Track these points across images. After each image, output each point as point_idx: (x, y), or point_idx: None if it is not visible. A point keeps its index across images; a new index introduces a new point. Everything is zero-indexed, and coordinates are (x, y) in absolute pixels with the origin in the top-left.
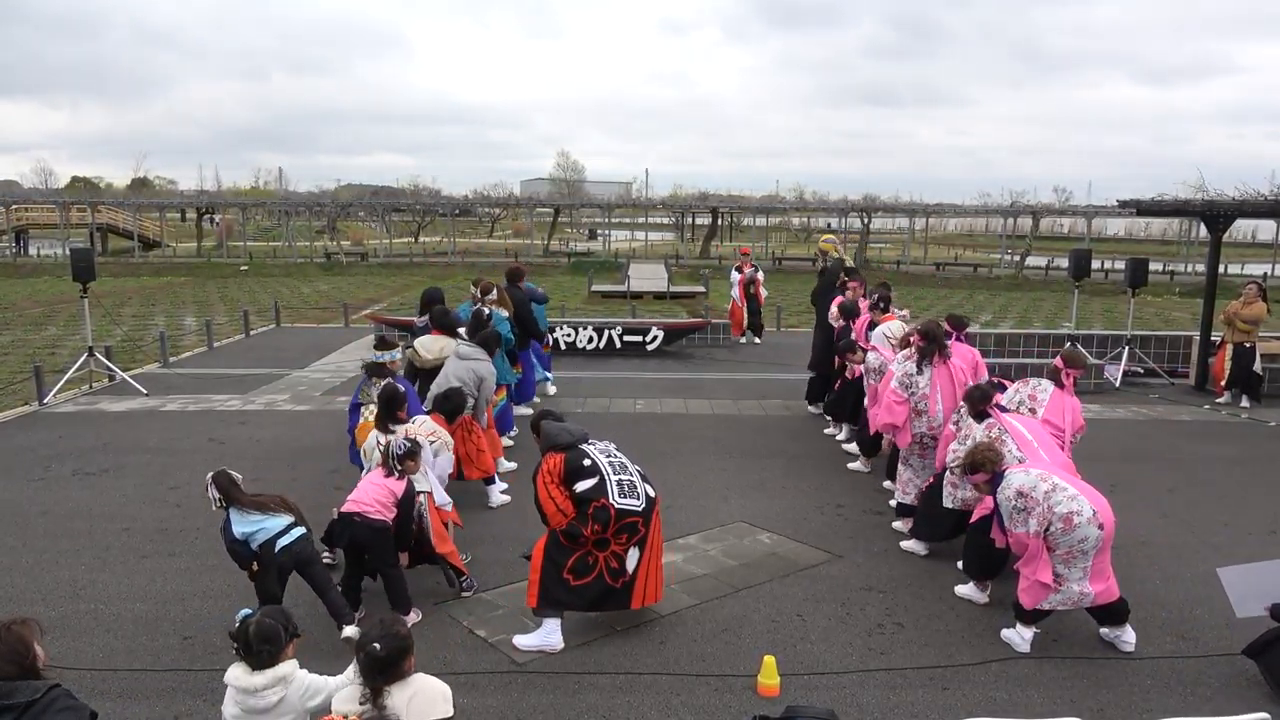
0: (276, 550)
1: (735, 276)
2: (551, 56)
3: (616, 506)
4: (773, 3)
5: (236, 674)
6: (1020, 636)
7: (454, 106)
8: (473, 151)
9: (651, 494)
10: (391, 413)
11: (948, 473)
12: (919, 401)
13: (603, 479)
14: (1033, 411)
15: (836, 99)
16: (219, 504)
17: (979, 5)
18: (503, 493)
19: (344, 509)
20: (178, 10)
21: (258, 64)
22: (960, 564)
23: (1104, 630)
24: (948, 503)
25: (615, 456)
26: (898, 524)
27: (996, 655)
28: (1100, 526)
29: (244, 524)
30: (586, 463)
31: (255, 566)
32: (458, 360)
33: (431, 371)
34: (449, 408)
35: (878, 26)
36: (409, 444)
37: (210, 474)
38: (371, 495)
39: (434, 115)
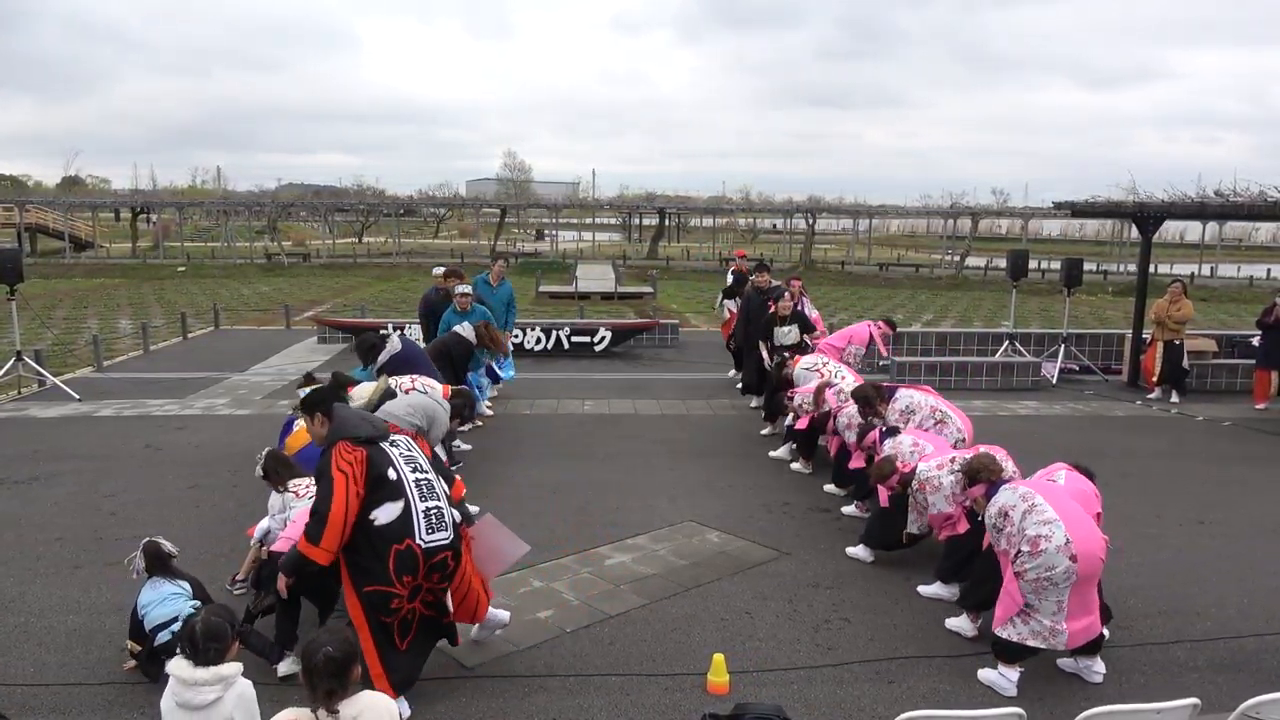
0: (155, 644)
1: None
2: (502, 56)
3: (424, 546)
4: (726, 2)
5: (180, 664)
6: (1005, 679)
7: (403, 106)
8: (422, 151)
9: (458, 518)
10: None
11: (911, 498)
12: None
13: (408, 507)
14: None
15: (787, 100)
16: (141, 574)
17: (930, 7)
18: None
19: (277, 548)
20: (112, 2)
21: (197, 60)
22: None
23: (1070, 660)
24: (912, 528)
25: (422, 472)
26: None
27: (940, 649)
28: (1073, 558)
29: (148, 594)
30: (391, 475)
31: (139, 647)
32: (419, 394)
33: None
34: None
35: (830, 28)
36: None
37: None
38: None
39: (382, 114)
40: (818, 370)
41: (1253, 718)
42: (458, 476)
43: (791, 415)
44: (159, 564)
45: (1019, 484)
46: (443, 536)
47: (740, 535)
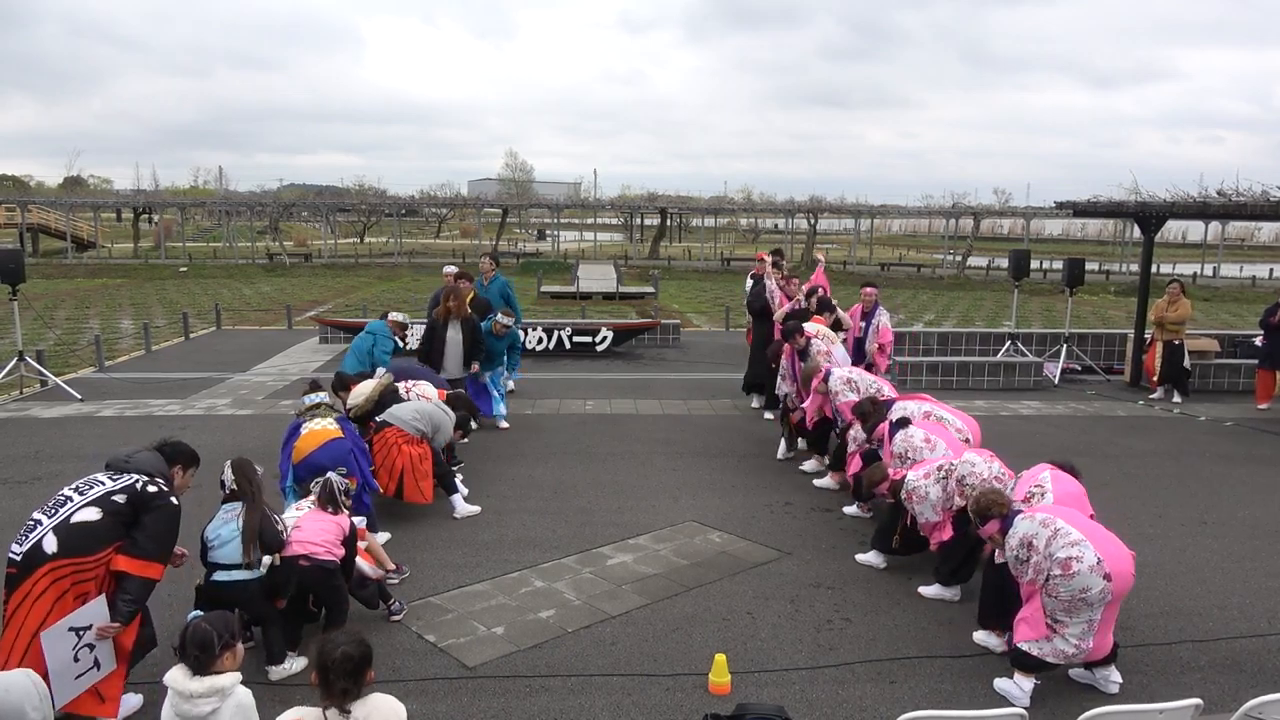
0: (211, 580)
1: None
2: (504, 55)
3: (9, 556)
4: (732, 2)
5: (176, 676)
6: (1019, 689)
7: (404, 106)
8: (422, 151)
9: (50, 549)
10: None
11: (905, 503)
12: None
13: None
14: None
15: (790, 100)
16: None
17: (932, 7)
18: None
19: (288, 552)
20: (113, 2)
21: (198, 60)
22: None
23: (1082, 670)
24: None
25: (71, 490)
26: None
27: (942, 650)
28: (1107, 577)
29: (217, 527)
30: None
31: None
32: (426, 400)
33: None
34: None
35: (834, 28)
36: (348, 481)
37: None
38: (321, 535)
39: (383, 114)
40: (818, 336)
41: (1255, 718)
42: (128, 555)
43: (791, 394)
44: (246, 481)
45: (1035, 511)
46: (14, 549)
47: (742, 535)
